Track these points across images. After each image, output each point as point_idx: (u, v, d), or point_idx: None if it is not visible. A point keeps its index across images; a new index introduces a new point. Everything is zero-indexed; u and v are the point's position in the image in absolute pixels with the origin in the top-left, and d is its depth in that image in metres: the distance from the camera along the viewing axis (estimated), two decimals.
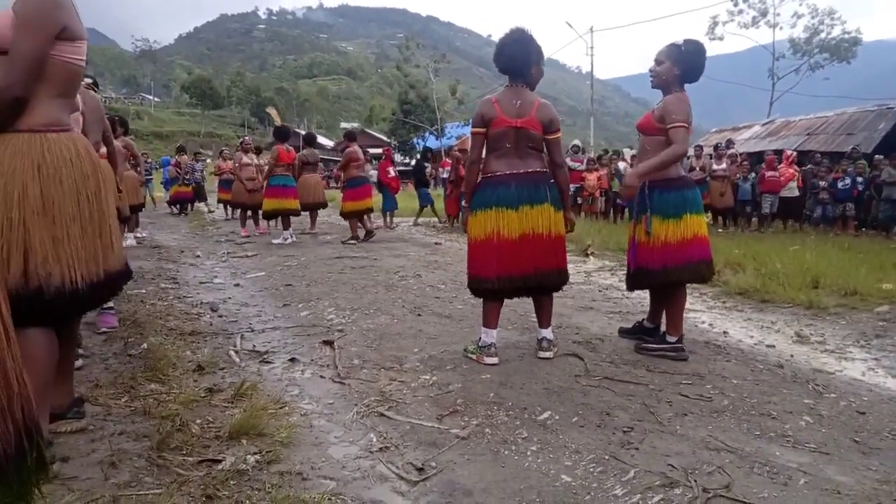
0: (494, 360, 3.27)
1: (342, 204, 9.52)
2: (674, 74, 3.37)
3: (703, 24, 32.79)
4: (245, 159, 10.43)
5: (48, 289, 1.90)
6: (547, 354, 3.39)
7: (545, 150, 3.38)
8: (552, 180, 3.35)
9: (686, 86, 3.44)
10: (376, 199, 11.60)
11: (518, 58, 3.27)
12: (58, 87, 2.02)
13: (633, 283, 3.62)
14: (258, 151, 11.18)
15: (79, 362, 2.95)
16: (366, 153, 11.51)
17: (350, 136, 10.00)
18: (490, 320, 3.35)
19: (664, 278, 3.40)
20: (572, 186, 13.37)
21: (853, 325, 4.36)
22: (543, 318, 3.45)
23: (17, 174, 1.89)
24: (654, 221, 3.38)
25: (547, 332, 3.44)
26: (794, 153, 12.95)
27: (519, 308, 4.39)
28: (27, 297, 1.87)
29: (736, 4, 31.95)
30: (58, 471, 1.97)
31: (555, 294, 3.49)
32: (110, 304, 3.93)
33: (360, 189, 9.47)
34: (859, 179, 11.70)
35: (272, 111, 11.55)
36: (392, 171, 12.64)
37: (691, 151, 13.73)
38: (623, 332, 3.90)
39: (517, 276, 3.23)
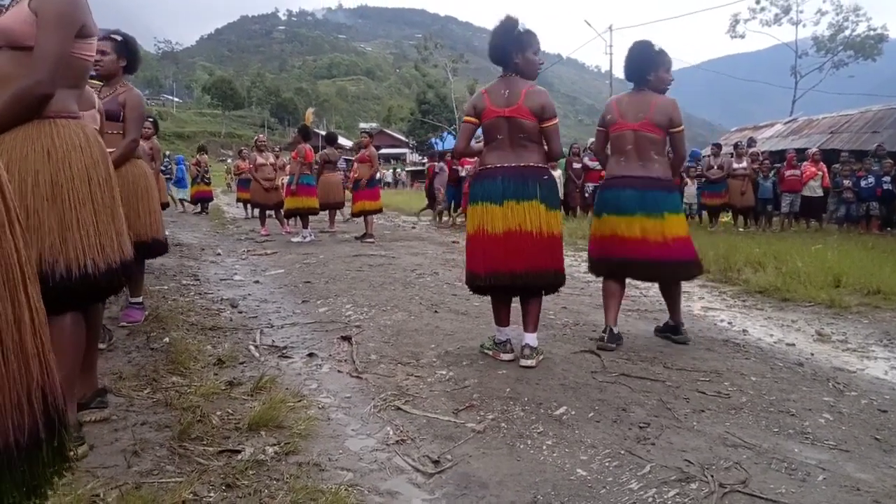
0: (510, 356, 3.26)
1: (355, 203, 9.58)
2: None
3: (724, 22, 32.54)
4: (260, 159, 10.33)
5: (53, 275, 1.87)
6: (529, 363, 3.13)
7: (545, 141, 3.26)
8: (546, 176, 3.20)
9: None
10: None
11: (502, 46, 3.19)
12: (69, 80, 2.05)
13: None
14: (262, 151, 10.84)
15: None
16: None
17: (369, 136, 10.04)
18: (500, 319, 3.34)
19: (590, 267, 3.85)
20: (590, 185, 13.43)
21: (876, 324, 4.29)
22: (529, 321, 3.24)
23: (29, 160, 1.90)
24: (594, 218, 3.75)
25: (530, 339, 3.20)
26: (819, 151, 12.74)
27: None
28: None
29: (758, 2, 31.64)
30: (82, 454, 2.02)
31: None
32: (139, 298, 4.00)
33: (375, 189, 9.62)
34: (885, 178, 11.48)
35: (310, 113, 11.51)
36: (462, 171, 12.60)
37: (707, 150, 13.60)
38: (657, 332, 3.86)
39: (505, 274, 3.11)
